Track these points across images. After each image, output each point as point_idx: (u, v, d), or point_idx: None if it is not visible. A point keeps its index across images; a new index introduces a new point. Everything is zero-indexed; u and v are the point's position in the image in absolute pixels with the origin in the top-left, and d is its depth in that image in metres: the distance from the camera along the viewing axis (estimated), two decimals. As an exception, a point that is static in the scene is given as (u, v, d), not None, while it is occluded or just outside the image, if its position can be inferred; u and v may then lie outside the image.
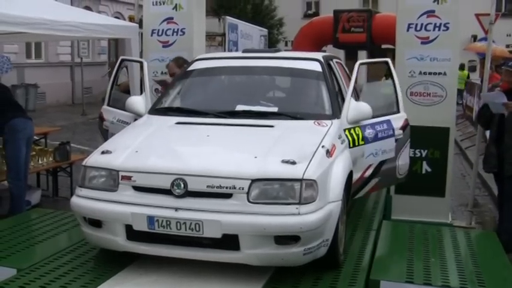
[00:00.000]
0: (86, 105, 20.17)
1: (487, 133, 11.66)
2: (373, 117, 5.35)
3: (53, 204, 7.91)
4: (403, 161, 5.77)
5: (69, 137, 12.51)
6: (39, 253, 4.91)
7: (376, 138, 5.34)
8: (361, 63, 5.64)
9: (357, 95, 5.76)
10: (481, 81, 10.87)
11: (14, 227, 5.54)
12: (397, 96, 5.74)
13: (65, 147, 8.54)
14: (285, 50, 7.13)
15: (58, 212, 6.14)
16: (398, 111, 5.70)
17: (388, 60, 5.87)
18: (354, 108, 5.16)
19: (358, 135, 5.18)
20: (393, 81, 5.75)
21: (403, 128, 5.66)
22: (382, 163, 5.50)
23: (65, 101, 24.26)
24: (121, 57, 6.69)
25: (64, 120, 18.42)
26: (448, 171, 6.91)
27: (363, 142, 5.22)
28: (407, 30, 6.80)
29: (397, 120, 5.61)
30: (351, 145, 5.07)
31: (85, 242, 4.89)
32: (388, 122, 5.49)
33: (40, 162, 8.17)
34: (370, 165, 5.41)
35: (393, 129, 5.49)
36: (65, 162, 8.56)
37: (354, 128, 5.18)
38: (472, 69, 31.32)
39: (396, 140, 5.54)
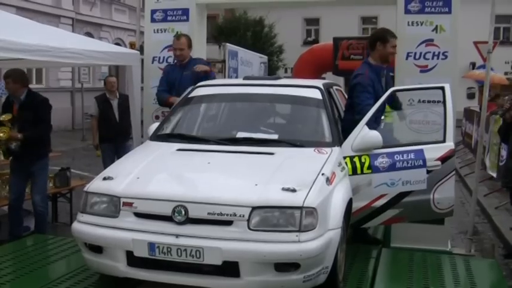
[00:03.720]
0: (86, 130, 20.11)
1: (487, 161, 11.72)
2: (399, 145, 5.36)
3: (52, 230, 7.88)
4: (442, 194, 5.33)
5: (69, 162, 12.53)
6: (38, 279, 4.90)
7: (393, 168, 5.20)
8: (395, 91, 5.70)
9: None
10: (480, 109, 10.93)
11: (13, 253, 5.54)
12: (445, 125, 5.43)
13: (65, 173, 8.55)
14: (285, 77, 7.18)
15: (57, 238, 6.14)
16: (444, 141, 5.39)
17: (446, 85, 5.66)
18: (361, 137, 5.17)
19: (363, 164, 5.17)
20: (445, 109, 5.50)
21: (444, 159, 5.28)
22: (404, 194, 5.28)
23: (65, 126, 24.29)
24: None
25: (64, 146, 18.40)
26: (447, 199, 6.90)
27: (369, 171, 5.18)
28: (407, 59, 6.84)
29: (435, 151, 5.31)
30: (351, 173, 5.09)
31: (85, 268, 4.90)
32: (419, 151, 5.29)
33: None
34: (384, 195, 5.26)
35: (424, 160, 5.24)
36: (64, 188, 8.55)
37: (360, 156, 5.17)
38: (471, 96, 31.46)
39: (429, 172, 5.26)
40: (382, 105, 5.81)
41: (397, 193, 5.28)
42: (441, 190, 5.34)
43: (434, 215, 5.55)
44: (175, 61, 7.29)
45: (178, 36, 7.19)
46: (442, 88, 5.64)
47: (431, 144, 5.45)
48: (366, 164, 5.18)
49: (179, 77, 7.06)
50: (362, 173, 5.16)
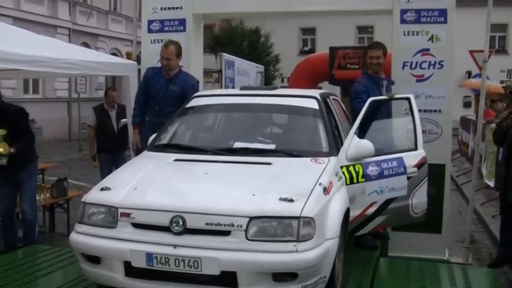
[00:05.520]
0: (82, 141, 20.12)
1: (483, 169, 11.74)
2: (383, 154, 5.41)
3: (49, 240, 7.87)
4: (418, 200, 5.59)
5: (66, 172, 12.51)
6: (35, 290, 4.91)
7: (381, 176, 5.30)
8: (374, 101, 5.75)
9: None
10: (476, 117, 10.95)
11: (9, 264, 5.53)
12: (415, 134, 5.68)
13: (62, 183, 8.53)
14: (281, 87, 7.14)
15: (55, 249, 6.14)
16: (416, 149, 5.64)
17: (410, 96, 5.94)
18: (354, 145, 5.20)
19: (357, 172, 5.19)
20: (413, 118, 5.75)
21: (419, 165, 5.54)
22: (390, 201, 5.41)
23: (61, 136, 24.31)
24: None
25: (61, 156, 18.40)
26: (444, 208, 6.91)
27: (363, 179, 5.22)
28: (403, 68, 6.87)
29: (412, 158, 5.54)
30: (348, 182, 5.10)
31: (82, 278, 4.89)
32: (400, 159, 5.46)
33: (37, 198, 8.15)
34: (374, 203, 5.34)
35: (405, 167, 5.43)
36: (61, 198, 8.54)
37: (354, 165, 5.20)
38: (467, 105, 31.56)
39: (409, 178, 5.47)
40: (371, 116, 5.85)
41: (385, 200, 5.40)
42: (418, 195, 5.59)
43: (411, 220, 5.72)
44: (161, 67, 7.16)
45: (166, 44, 7.02)
46: (408, 99, 5.92)
47: (407, 152, 5.62)
48: (360, 173, 5.22)
49: (164, 89, 6.90)
50: (357, 181, 5.20)
